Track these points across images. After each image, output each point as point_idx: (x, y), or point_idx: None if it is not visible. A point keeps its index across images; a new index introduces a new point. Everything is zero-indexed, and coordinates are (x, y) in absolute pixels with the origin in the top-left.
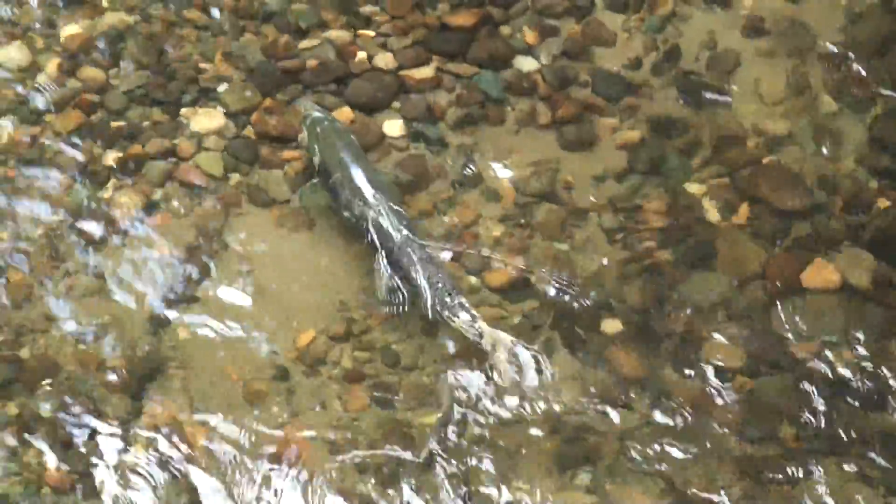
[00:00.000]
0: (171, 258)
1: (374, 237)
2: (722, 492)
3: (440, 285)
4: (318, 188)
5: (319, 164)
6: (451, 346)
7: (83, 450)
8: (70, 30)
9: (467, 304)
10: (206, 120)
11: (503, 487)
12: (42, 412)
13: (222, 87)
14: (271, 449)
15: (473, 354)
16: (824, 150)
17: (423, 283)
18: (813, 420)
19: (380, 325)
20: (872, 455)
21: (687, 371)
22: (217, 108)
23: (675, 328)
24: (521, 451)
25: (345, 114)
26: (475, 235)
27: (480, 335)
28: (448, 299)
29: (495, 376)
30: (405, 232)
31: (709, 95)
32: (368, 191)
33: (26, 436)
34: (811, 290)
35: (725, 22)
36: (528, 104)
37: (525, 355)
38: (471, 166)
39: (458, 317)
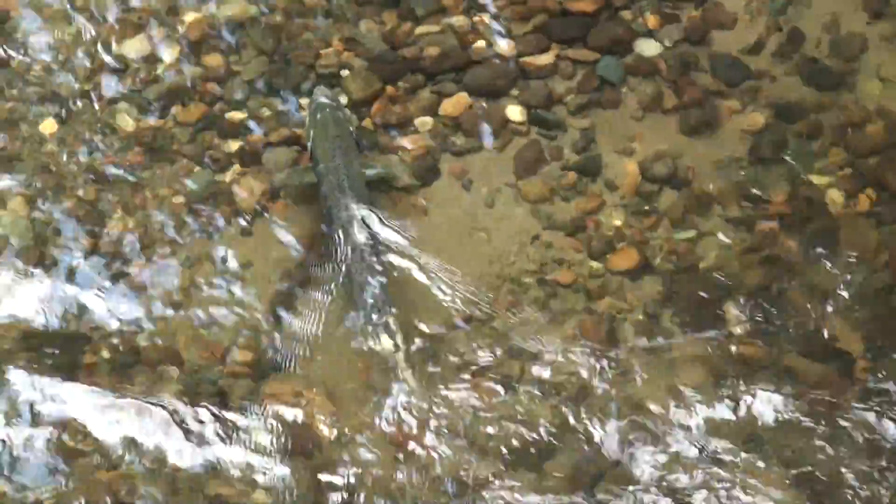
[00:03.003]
0: (292, 245)
1: (339, 235)
2: (847, 477)
3: (372, 302)
4: (308, 171)
5: (311, 149)
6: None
7: (206, 430)
8: (191, 18)
9: (394, 328)
10: None
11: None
12: (165, 395)
13: (344, 74)
14: (391, 435)
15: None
16: None
17: (360, 296)
18: None
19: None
20: None
21: (808, 356)
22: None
23: (797, 314)
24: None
25: (461, 100)
26: (596, 222)
27: (396, 364)
28: (375, 317)
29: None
30: (363, 241)
31: (831, 79)
32: (345, 188)
33: (148, 419)
34: None
35: (848, 4)
36: (651, 89)
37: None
38: (591, 152)
39: (379, 339)
